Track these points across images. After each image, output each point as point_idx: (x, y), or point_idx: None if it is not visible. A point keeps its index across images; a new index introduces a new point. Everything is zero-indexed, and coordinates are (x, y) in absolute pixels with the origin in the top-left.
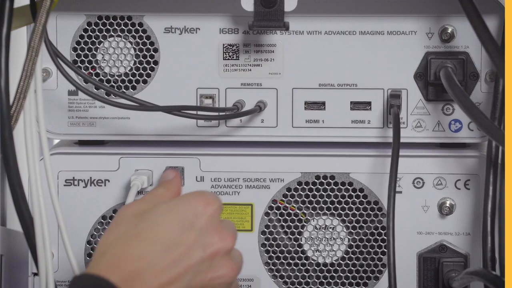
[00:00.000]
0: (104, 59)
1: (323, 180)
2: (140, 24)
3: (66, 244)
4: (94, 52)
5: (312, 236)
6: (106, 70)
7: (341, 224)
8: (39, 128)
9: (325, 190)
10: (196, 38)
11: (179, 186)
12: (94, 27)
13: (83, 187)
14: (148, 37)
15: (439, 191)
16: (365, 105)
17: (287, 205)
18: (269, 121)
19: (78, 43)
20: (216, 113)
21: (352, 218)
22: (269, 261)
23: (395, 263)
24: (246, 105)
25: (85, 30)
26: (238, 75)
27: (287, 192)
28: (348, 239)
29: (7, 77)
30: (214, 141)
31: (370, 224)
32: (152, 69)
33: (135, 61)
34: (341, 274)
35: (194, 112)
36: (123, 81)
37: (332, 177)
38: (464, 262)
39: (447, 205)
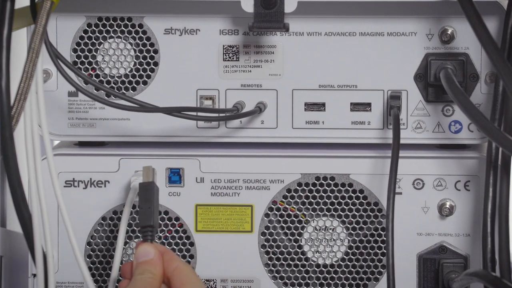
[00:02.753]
0: (104, 60)
1: (323, 181)
2: (140, 25)
3: (73, 244)
4: (94, 53)
5: (312, 237)
6: (106, 71)
7: (341, 225)
8: (41, 129)
9: (325, 191)
10: (196, 39)
11: (161, 266)
12: (94, 28)
13: (83, 188)
14: (148, 38)
15: (439, 192)
16: (365, 106)
17: (287, 206)
18: (269, 122)
19: (78, 44)
20: (216, 114)
21: (352, 219)
22: (269, 262)
23: (394, 264)
24: (246, 106)
25: (85, 31)
26: (238, 76)
27: (287, 193)
28: (348, 240)
29: (7, 78)
30: (214, 142)
31: (370, 225)
32: (152, 70)
33: (135, 62)
34: (341, 275)
35: (194, 113)
36: (123, 82)
37: (332, 178)
38: (464, 263)
39: (447, 206)
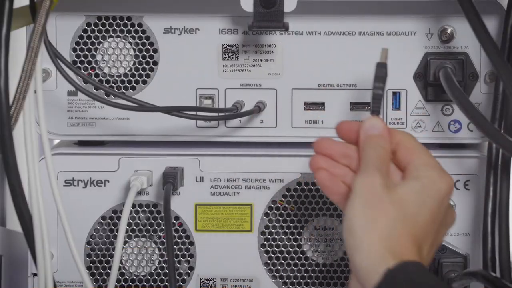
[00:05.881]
0: (104, 60)
1: None
2: (140, 25)
3: (70, 243)
4: (94, 52)
5: (312, 237)
6: (106, 70)
7: (341, 224)
8: (40, 128)
9: None
10: (196, 38)
11: (389, 140)
12: (93, 27)
13: (83, 187)
14: (147, 38)
15: None
16: (365, 106)
17: (286, 205)
18: (268, 121)
19: (77, 43)
20: (216, 114)
21: None
22: (268, 261)
23: None
24: (246, 106)
25: (85, 31)
26: (237, 76)
27: (286, 193)
28: None
29: (6, 78)
30: (213, 142)
31: None
32: (152, 70)
33: (134, 62)
34: (341, 275)
35: (194, 112)
36: (122, 81)
37: None
38: (463, 262)
39: None
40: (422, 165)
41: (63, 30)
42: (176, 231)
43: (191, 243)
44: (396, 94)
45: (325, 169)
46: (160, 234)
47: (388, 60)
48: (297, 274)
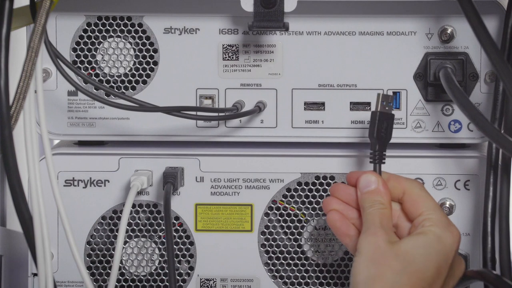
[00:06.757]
0: (104, 60)
1: (322, 181)
2: (140, 25)
3: (71, 244)
4: (94, 52)
5: (312, 237)
6: (106, 70)
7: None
8: (40, 128)
9: (325, 190)
10: (196, 38)
11: (388, 193)
12: (93, 27)
13: (83, 187)
14: (147, 38)
15: (439, 191)
16: (365, 106)
17: (286, 205)
18: (268, 121)
19: (77, 43)
20: (216, 114)
21: None
22: (269, 261)
23: None
24: (246, 106)
25: (85, 31)
26: (237, 76)
27: (286, 193)
28: None
29: (6, 78)
30: (213, 142)
31: None
32: (152, 70)
33: (134, 62)
34: (341, 275)
35: (194, 112)
36: (122, 81)
37: (332, 178)
38: (464, 262)
39: (447, 205)
40: (427, 221)
41: (63, 30)
42: (176, 231)
43: (191, 243)
44: (396, 94)
45: (337, 210)
46: (160, 234)
47: (379, 106)
48: (297, 274)
